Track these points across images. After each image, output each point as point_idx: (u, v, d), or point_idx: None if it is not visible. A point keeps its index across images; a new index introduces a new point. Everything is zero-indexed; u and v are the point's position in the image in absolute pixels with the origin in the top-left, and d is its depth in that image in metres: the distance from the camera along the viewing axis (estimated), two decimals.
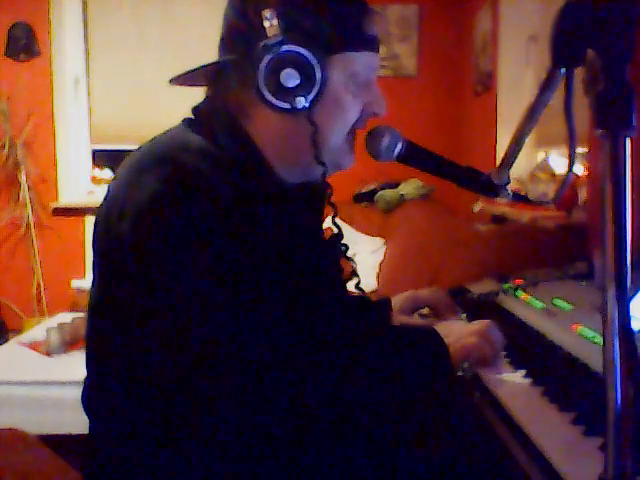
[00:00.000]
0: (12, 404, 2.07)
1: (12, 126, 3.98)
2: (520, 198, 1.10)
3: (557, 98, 0.77)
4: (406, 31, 4.16)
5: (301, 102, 0.92)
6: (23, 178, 3.99)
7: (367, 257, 3.21)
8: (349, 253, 1.07)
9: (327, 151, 0.97)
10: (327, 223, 1.09)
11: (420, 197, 3.64)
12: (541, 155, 3.13)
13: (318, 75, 0.91)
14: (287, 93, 0.91)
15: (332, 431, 0.93)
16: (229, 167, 0.91)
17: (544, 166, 2.87)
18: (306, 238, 1.04)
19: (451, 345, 0.95)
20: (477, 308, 1.40)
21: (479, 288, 1.52)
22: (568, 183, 0.88)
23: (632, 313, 0.57)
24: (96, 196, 4.18)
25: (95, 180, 4.41)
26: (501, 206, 2.82)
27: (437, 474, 1.10)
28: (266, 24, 0.90)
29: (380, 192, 3.73)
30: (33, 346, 2.35)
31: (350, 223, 3.54)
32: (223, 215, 0.86)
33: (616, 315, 0.56)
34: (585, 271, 1.52)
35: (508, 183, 1.02)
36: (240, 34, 0.95)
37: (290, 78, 0.91)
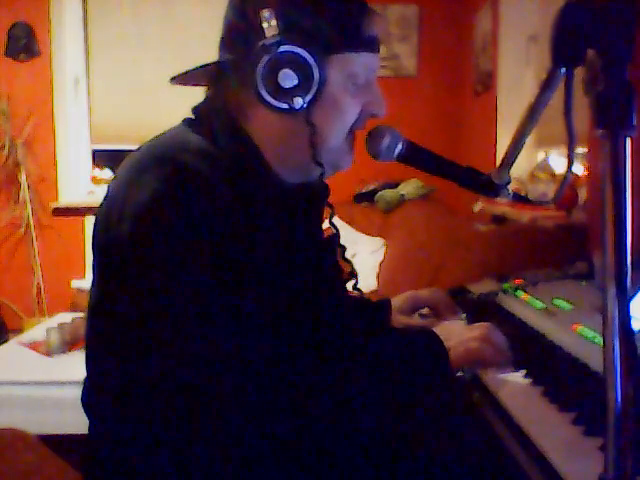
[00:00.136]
0: (12, 404, 2.07)
1: (12, 126, 3.98)
2: (520, 198, 1.10)
3: (557, 98, 0.77)
4: (406, 31, 4.16)
5: (299, 102, 0.92)
6: (23, 178, 3.99)
7: (367, 257, 3.21)
8: (349, 253, 1.07)
9: (326, 152, 0.96)
10: (327, 223, 1.09)
11: (420, 197, 3.64)
12: (541, 155, 3.14)
13: (316, 75, 0.91)
14: (285, 93, 0.91)
15: (332, 432, 0.93)
16: (229, 167, 0.91)
17: (544, 166, 2.87)
18: (305, 238, 1.04)
19: (453, 348, 0.95)
20: (477, 308, 1.40)
21: (479, 288, 1.52)
22: (568, 183, 0.88)
23: (632, 313, 0.57)
24: (96, 196, 4.18)
25: (95, 180, 4.41)
26: (501, 206, 2.82)
27: (437, 474, 1.10)
28: (264, 24, 0.90)
29: (380, 192, 3.73)
30: (33, 346, 2.35)
31: (350, 223, 3.54)
32: (223, 215, 0.86)
33: (616, 315, 0.56)
34: (585, 271, 1.51)
35: (508, 183, 1.02)
36: (239, 34, 0.95)
37: (288, 78, 0.91)
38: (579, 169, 2.47)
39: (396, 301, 1.29)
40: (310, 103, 0.92)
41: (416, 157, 1.04)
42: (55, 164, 4.14)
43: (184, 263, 0.83)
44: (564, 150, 0.82)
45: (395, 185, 3.74)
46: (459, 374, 0.97)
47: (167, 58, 4.09)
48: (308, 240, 1.05)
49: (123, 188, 0.89)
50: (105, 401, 0.96)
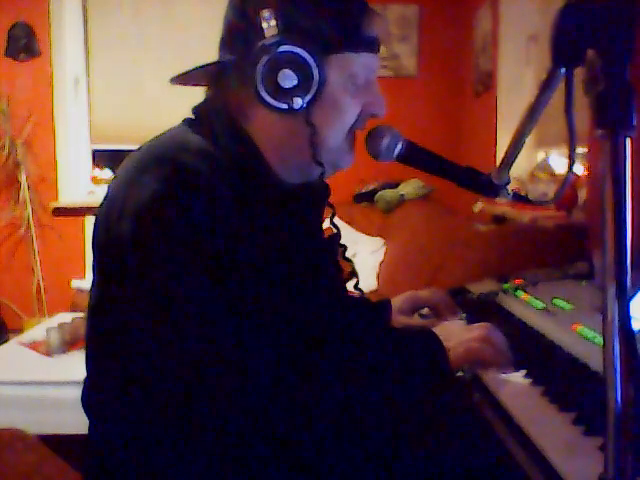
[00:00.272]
0: (12, 404, 2.07)
1: (12, 126, 3.98)
2: (520, 198, 1.10)
3: (557, 98, 0.77)
4: (406, 31, 4.16)
5: (298, 103, 0.92)
6: (23, 178, 3.99)
7: (367, 257, 3.21)
8: (349, 253, 1.07)
9: (326, 151, 0.96)
10: (327, 223, 1.09)
11: (420, 197, 3.65)
12: (541, 155, 3.13)
13: (316, 76, 0.91)
14: (284, 93, 0.91)
15: (332, 432, 0.93)
16: (229, 167, 0.91)
17: (544, 166, 2.88)
18: (306, 238, 1.04)
19: (452, 349, 0.95)
20: (477, 308, 1.40)
21: (479, 288, 1.52)
22: (568, 183, 0.88)
23: (632, 313, 0.57)
24: (96, 196, 4.18)
25: (95, 180, 4.41)
26: (501, 206, 2.82)
27: (437, 474, 1.10)
28: (264, 24, 0.90)
29: (380, 192, 3.73)
30: (33, 346, 2.35)
31: (350, 223, 3.55)
32: (223, 215, 0.86)
33: (616, 315, 0.56)
34: (585, 271, 1.52)
35: (508, 183, 1.02)
36: (239, 34, 0.95)
37: (287, 78, 0.91)
38: (579, 169, 2.47)
39: (396, 301, 1.29)
40: (310, 103, 0.92)
41: (416, 157, 1.04)
42: (55, 164, 4.14)
43: (184, 263, 0.83)
44: (564, 150, 0.82)
45: (395, 185, 3.74)
46: (459, 374, 0.97)
47: (167, 58, 4.09)
48: (308, 240, 1.05)
49: (123, 188, 0.89)
50: (105, 401, 0.96)
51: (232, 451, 0.89)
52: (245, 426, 0.84)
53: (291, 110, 0.92)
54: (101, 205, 0.93)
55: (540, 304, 1.33)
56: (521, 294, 1.43)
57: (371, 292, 2.73)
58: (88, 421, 1.00)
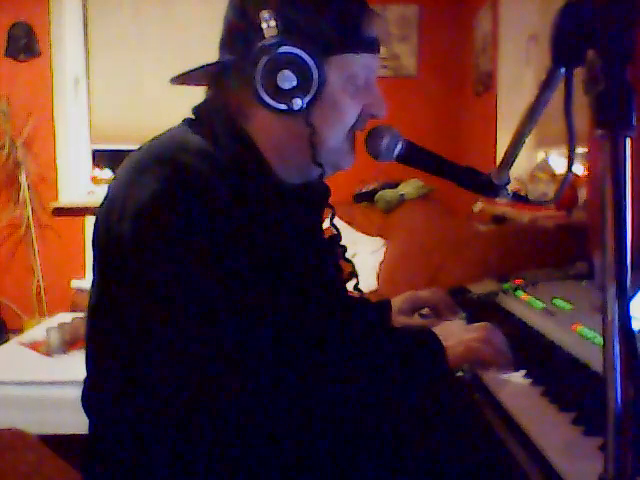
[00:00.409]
0: (12, 404, 2.07)
1: (12, 126, 3.98)
2: (520, 198, 1.10)
3: (557, 98, 0.77)
4: (406, 31, 4.16)
5: (298, 103, 0.91)
6: (23, 178, 3.99)
7: (367, 257, 3.21)
8: (349, 253, 1.07)
9: (326, 152, 0.96)
10: (327, 224, 1.09)
11: (420, 197, 3.64)
12: (541, 155, 3.13)
13: (315, 76, 0.91)
14: (284, 94, 0.91)
15: (332, 432, 0.93)
16: (229, 167, 0.91)
17: (544, 166, 2.87)
18: (305, 239, 1.04)
19: (451, 348, 0.95)
20: (477, 308, 1.40)
21: (479, 288, 1.52)
22: (568, 183, 0.88)
23: (632, 313, 0.57)
24: (96, 196, 4.18)
25: (95, 180, 4.41)
26: (501, 206, 2.82)
27: (437, 474, 1.10)
28: (264, 25, 0.90)
29: (380, 192, 3.73)
30: (33, 346, 2.35)
31: (350, 223, 3.54)
32: (223, 215, 0.86)
33: (616, 315, 0.56)
34: (585, 271, 1.52)
35: (508, 183, 1.02)
36: (239, 34, 0.95)
37: (287, 79, 0.90)
38: (579, 169, 2.47)
39: (396, 301, 1.29)
40: (309, 104, 0.92)
41: (416, 157, 1.04)
42: (55, 164, 4.14)
43: (184, 263, 0.83)
44: (564, 150, 0.82)
45: (395, 185, 3.74)
46: (459, 374, 0.97)
47: (167, 58, 4.09)
48: (308, 240, 1.05)
49: (123, 188, 0.89)
50: (105, 401, 0.96)
51: (232, 451, 0.89)
52: (245, 426, 0.84)
53: (291, 111, 0.92)
54: (101, 205, 0.93)
55: (540, 304, 1.33)
56: (521, 294, 1.43)
57: (371, 292, 2.73)
58: (88, 421, 1.00)
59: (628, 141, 0.59)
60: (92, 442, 0.99)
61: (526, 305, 1.36)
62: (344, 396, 0.89)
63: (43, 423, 1.97)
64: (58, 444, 1.24)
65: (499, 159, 1.01)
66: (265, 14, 0.90)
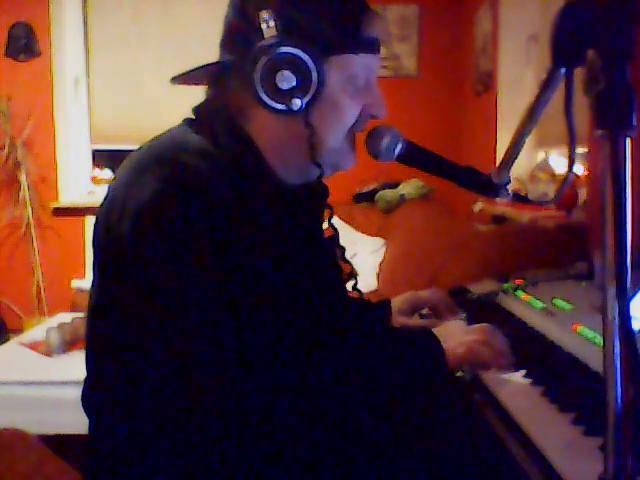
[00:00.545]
0: (12, 404, 2.07)
1: (12, 126, 3.98)
2: (520, 198, 1.10)
3: (557, 98, 0.77)
4: (406, 31, 4.16)
5: (297, 104, 0.91)
6: (23, 178, 3.99)
7: (367, 257, 3.21)
8: (348, 253, 1.07)
9: (325, 152, 0.96)
10: (326, 224, 1.09)
11: (420, 197, 3.64)
12: (541, 155, 3.14)
13: (314, 77, 0.91)
14: (283, 95, 0.91)
15: (331, 432, 0.93)
16: (229, 167, 0.91)
17: (544, 166, 2.88)
18: (305, 239, 1.04)
19: (451, 349, 0.95)
20: (477, 308, 1.40)
21: (479, 288, 1.52)
22: (568, 183, 0.88)
23: (632, 313, 0.57)
24: (96, 196, 4.18)
25: (95, 180, 4.41)
26: (501, 206, 2.82)
27: (437, 474, 1.10)
28: (263, 25, 0.90)
29: (380, 192, 3.73)
30: (33, 346, 2.35)
31: (350, 223, 3.55)
32: (223, 215, 0.86)
33: (616, 315, 0.56)
34: (585, 271, 1.52)
35: (508, 183, 1.02)
36: (239, 35, 0.95)
37: (286, 80, 0.90)
38: (579, 169, 2.47)
39: (396, 301, 1.29)
40: (309, 104, 0.92)
41: (416, 157, 1.04)
42: (55, 164, 4.14)
43: (184, 263, 0.84)
44: (564, 150, 0.82)
45: (395, 185, 3.74)
46: (459, 374, 0.97)
47: (167, 58, 4.09)
48: (308, 240, 1.05)
49: (123, 188, 0.89)
50: (105, 401, 0.96)
51: (232, 450, 0.89)
52: (246, 426, 0.84)
53: (290, 111, 0.92)
54: (101, 205, 0.93)
55: (540, 304, 1.33)
56: (521, 294, 1.43)
57: (371, 292, 2.73)
58: (88, 421, 1.00)
59: (628, 141, 0.59)
60: (92, 442, 0.99)
61: (526, 305, 1.36)
62: (344, 397, 0.89)
63: (43, 423, 1.96)
64: (58, 444, 1.23)
65: (499, 159, 1.01)
66: (265, 14, 0.89)
